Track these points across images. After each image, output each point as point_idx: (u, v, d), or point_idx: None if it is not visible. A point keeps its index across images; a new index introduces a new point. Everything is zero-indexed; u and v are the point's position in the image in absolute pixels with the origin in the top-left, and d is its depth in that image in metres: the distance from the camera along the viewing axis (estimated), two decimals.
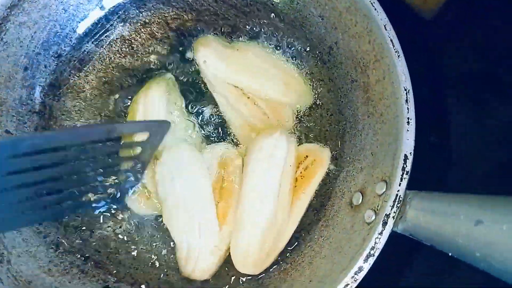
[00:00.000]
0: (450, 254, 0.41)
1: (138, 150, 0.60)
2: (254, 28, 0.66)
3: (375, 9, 0.53)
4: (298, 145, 0.63)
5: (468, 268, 0.40)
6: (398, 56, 0.52)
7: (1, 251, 0.55)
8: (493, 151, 0.71)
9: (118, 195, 0.62)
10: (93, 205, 0.61)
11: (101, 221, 0.62)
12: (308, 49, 0.65)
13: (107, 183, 0.61)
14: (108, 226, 0.62)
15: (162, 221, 0.61)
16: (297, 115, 0.64)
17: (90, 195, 0.61)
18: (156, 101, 0.63)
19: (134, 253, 0.61)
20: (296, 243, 0.61)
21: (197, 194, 0.59)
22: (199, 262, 0.58)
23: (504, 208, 0.36)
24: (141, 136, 0.59)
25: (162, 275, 0.60)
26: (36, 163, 0.51)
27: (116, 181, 0.61)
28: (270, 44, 0.66)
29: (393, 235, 0.48)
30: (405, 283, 0.66)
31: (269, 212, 0.58)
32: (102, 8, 0.67)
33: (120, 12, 0.67)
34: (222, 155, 0.61)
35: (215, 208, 0.59)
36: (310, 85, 0.65)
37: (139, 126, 0.61)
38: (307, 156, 0.62)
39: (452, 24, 0.77)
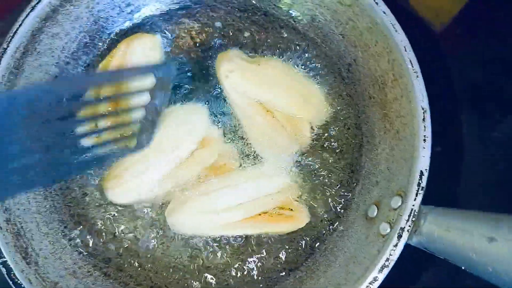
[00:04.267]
0: (463, 268, 0.44)
1: (146, 97, 0.60)
2: (275, 44, 0.69)
3: (396, 31, 0.55)
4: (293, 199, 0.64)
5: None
6: (417, 77, 0.54)
7: (29, 253, 0.57)
8: (495, 164, 0.74)
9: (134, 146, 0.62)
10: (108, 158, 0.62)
11: (122, 225, 0.64)
12: (327, 65, 0.67)
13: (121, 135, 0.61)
14: (130, 232, 0.64)
15: None
16: (316, 127, 0.66)
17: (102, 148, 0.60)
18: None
19: (154, 256, 0.63)
20: (311, 251, 0.63)
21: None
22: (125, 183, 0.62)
23: None
24: (148, 83, 0.59)
25: (181, 279, 0.62)
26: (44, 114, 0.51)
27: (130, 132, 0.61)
28: (290, 59, 0.68)
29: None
30: None
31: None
32: (130, 20, 0.70)
33: (147, 25, 0.70)
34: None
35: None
36: (329, 99, 0.67)
37: (142, 70, 0.60)
38: (291, 210, 0.63)
39: (460, 37, 0.80)
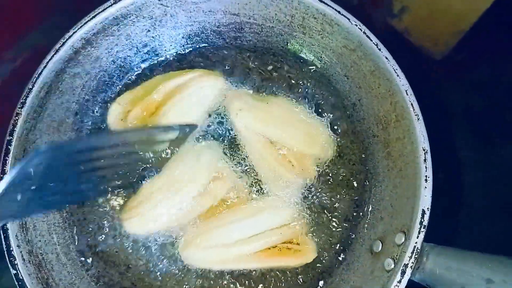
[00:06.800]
0: None
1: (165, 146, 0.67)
2: (283, 83, 0.72)
3: (398, 76, 0.59)
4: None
5: None
6: (418, 119, 0.57)
7: (50, 284, 0.60)
8: (498, 187, 0.75)
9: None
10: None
11: (137, 256, 0.67)
12: (333, 104, 0.71)
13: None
14: (144, 263, 0.67)
15: None
16: (321, 163, 0.69)
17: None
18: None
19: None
20: (316, 285, 0.65)
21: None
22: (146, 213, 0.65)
23: None
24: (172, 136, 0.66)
25: None
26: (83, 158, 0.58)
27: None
28: (297, 97, 0.71)
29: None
30: None
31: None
32: (147, 60, 0.74)
33: (162, 64, 0.74)
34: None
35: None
36: (334, 136, 0.70)
37: (173, 130, 0.66)
38: (298, 244, 0.66)
39: (460, 64, 0.83)
